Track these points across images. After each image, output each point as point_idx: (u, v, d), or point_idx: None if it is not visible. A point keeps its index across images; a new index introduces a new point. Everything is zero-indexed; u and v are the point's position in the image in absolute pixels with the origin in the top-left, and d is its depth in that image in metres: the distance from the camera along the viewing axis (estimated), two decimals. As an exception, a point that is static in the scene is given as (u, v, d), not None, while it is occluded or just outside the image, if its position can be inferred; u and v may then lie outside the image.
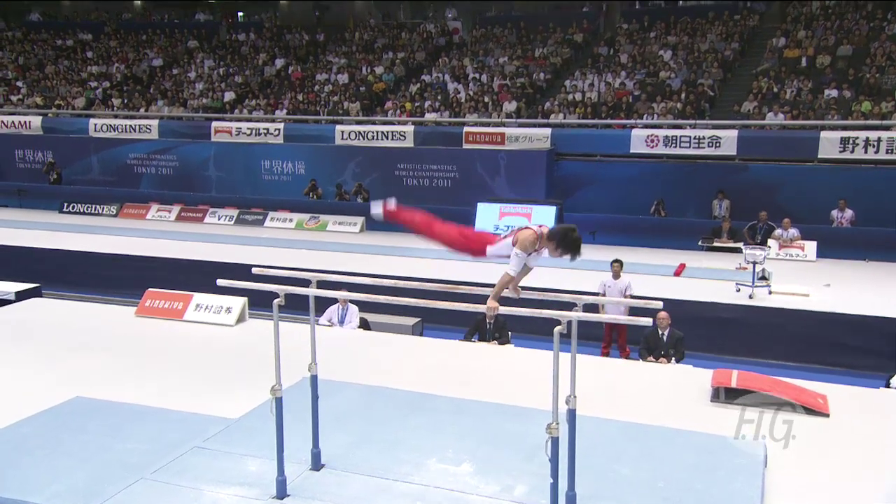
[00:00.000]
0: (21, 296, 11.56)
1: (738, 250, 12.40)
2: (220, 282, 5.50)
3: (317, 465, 5.78)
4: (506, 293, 4.94)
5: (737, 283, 11.17)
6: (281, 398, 5.43)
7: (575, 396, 4.79)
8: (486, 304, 4.88)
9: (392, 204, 5.21)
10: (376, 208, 5.29)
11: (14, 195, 20.43)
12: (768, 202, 15.49)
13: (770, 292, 10.92)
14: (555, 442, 4.67)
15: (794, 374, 8.31)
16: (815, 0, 21.48)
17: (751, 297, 10.77)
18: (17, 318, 10.14)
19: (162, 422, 6.59)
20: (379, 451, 6.03)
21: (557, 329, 4.58)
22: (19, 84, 25.87)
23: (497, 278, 4.89)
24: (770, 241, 13.68)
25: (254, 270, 5.69)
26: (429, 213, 5.30)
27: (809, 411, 6.74)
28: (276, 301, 5.29)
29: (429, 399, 7.12)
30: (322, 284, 5.58)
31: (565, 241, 4.73)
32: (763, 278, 11.16)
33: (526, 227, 4.87)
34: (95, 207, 19.21)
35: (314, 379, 5.73)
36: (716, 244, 14.25)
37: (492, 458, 5.93)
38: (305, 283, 5.38)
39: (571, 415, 4.80)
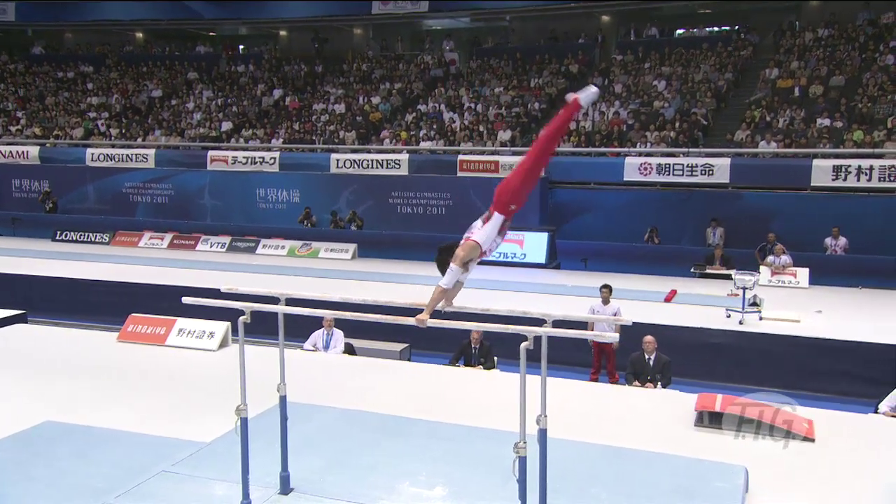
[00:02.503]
0: (4, 322, 11.47)
1: (730, 277, 12.28)
2: (186, 299, 5.42)
3: (285, 489, 5.65)
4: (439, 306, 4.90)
5: (727, 309, 11.04)
6: (246, 419, 5.32)
7: (545, 416, 4.66)
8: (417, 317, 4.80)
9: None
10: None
11: (8, 224, 20.43)
12: (762, 230, 15.42)
13: (761, 318, 10.79)
14: (522, 461, 4.54)
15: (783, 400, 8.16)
16: (808, 32, 21.65)
17: (741, 322, 10.64)
18: (-1, 343, 10.04)
19: (132, 446, 6.46)
20: (351, 476, 5.90)
21: (524, 345, 4.49)
22: (19, 115, 26.06)
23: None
24: (762, 268, 13.58)
25: (222, 289, 5.61)
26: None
27: (795, 436, 6.58)
28: (241, 318, 5.21)
29: (406, 423, 6.99)
30: (292, 304, 5.49)
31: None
32: (754, 304, 11.03)
33: (468, 239, 4.85)
34: (88, 235, 19.20)
35: (283, 400, 5.62)
36: (708, 271, 14.13)
37: (466, 481, 5.79)
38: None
39: (542, 435, 4.67)
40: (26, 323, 11.65)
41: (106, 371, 8.81)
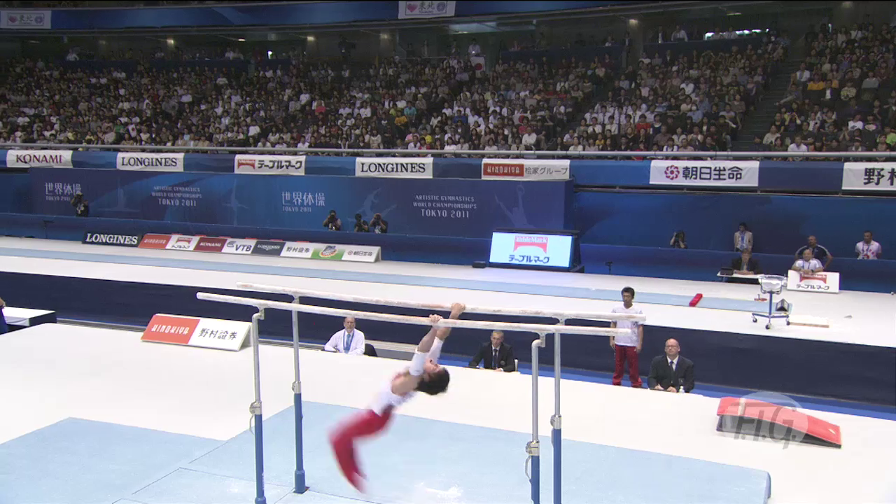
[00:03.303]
0: (35, 321, 11.69)
1: (757, 282, 12.07)
2: (201, 295, 5.45)
3: (300, 487, 5.65)
4: None
5: (753, 314, 10.85)
6: (261, 416, 5.34)
7: (560, 416, 4.60)
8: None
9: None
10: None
11: (41, 227, 20.81)
12: (791, 234, 15.19)
13: (788, 323, 10.58)
14: (535, 461, 4.49)
15: (809, 406, 7.98)
16: (840, 34, 21.28)
17: (767, 327, 10.44)
18: (27, 343, 10.22)
19: (151, 443, 6.52)
20: (367, 476, 5.86)
21: (536, 343, 4.44)
22: (53, 120, 26.58)
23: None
24: (790, 273, 13.32)
25: (237, 285, 5.64)
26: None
27: (820, 441, 6.43)
28: (255, 315, 5.23)
29: (424, 424, 6.95)
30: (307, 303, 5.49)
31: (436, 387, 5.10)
32: (782, 309, 10.82)
33: (400, 376, 5.04)
34: (117, 238, 19.48)
35: (297, 398, 5.63)
36: (735, 275, 13.91)
37: (481, 482, 5.75)
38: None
39: (556, 435, 4.61)
40: (55, 322, 11.85)
41: (129, 370, 8.92)
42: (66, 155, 23.00)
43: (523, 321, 4.91)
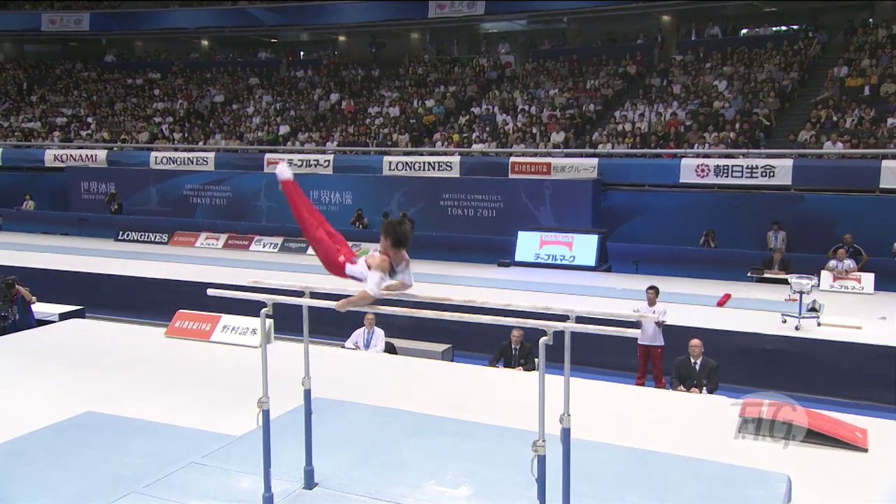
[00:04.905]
0: (64, 317, 11.87)
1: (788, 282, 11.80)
2: (211, 291, 5.45)
3: (310, 483, 5.62)
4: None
5: (783, 315, 10.59)
6: (268, 411, 5.31)
7: (569, 415, 4.51)
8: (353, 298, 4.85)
9: (288, 174, 4.93)
10: (284, 173, 4.93)
11: (76, 224, 21.21)
12: (826, 233, 14.81)
13: (819, 324, 10.30)
14: (541, 460, 4.40)
15: (838, 409, 7.75)
16: (881, 28, 20.71)
17: (797, 328, 10.17)
18: (55, 337, 10.38)
19: (166, 437, 6.54)
20: (377, 472, 5.83)
21: (543, 340, 4.35)
22: (89, 120, 27.09)
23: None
24: (823, 273, 12.98)
25: (247, 281, 5.63)
26: (315, 213, 5.18)
27: (845, 445, 6.22)
28: (263, 311, 5.21)
29: (438, 422, 6.89)
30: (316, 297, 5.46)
31: (395, 232, 4.76)
32: (813, 309, 10.54)
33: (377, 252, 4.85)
34: (148, 235, 19.77)
35: (307, 394, 5.59)
36: (766, 276, 13.59)
37: (491, 481, 5.66)
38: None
39: (566, 434, 4.52)
40: (84, 318, 12.02)
41: (151, 365, 8.99)
42: (102, 154, 23.43)
43: (532, 317, 4.80)
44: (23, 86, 30.82)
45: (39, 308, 11.83)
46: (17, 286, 11.03)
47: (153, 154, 22.74)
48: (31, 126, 27.13)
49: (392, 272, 4.87)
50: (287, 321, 8.38)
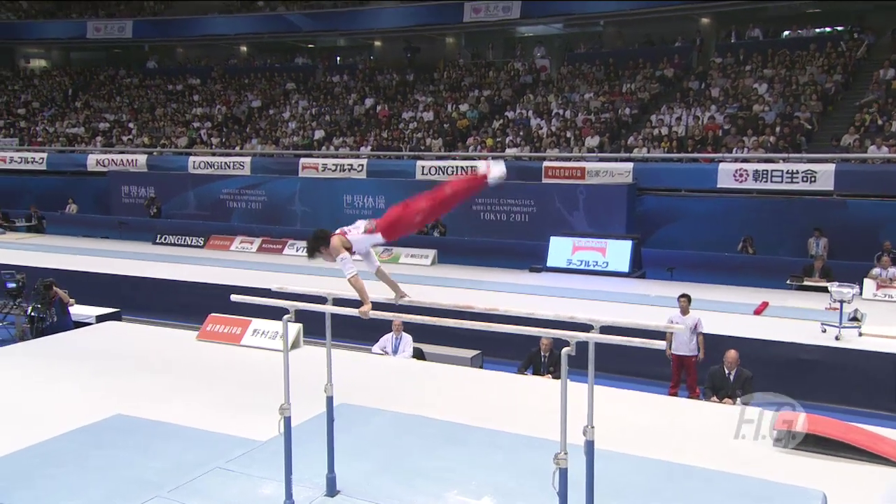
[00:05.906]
0: (100, 319, 12.07)
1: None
2: (234, 297, 5.47)
3: (332, 491, 5.59)
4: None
5: (822, 324, 10.28)
6: (289, 418, 5.30)
7: (592, 427, 4.41)
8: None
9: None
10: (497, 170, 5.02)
11: (116, 228, 21.62)
12: (869, 240, 14.39)
13: (860, 334, 9.97)
14: (563, 473, 4.32)
15: (878, 423, 7.49)
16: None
17: (837, 338, 9.87)
18: (90, 340, 10.55)
19: (193, 442, 6.58)
20: (399, 481, 5.79)
21: (565, 351, 4.27)
22: (131, 125, 27.63)
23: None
24: (866, 281, 12.60)
25: (273, 287, 5.63)
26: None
27: (885, 461, 5.99)
28: (285, 317, 5.21)
29: (463, 430, 6.82)
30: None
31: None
32: (855, 319, 10.21)
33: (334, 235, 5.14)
34: (185, 239, 20.05)
35: (329, 401, 5.57)
36: (806, 283, 13.24)
37: (515, 492, 5.58)
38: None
39: (589, 447, 4.42)
40: (120, 320, 12.20)
41: (182, 368, 9.08)
42: (142, 159, 23.86)
43: (556, 327, 4.70)
44: (68, 92, 31.59)
45: (78, 310, 12.05)
46: (54, 288, 11.25)
47: (191, 159, 23.09)
48: (75, 131, 27.77)
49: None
50: (317, 325, 8.36)
